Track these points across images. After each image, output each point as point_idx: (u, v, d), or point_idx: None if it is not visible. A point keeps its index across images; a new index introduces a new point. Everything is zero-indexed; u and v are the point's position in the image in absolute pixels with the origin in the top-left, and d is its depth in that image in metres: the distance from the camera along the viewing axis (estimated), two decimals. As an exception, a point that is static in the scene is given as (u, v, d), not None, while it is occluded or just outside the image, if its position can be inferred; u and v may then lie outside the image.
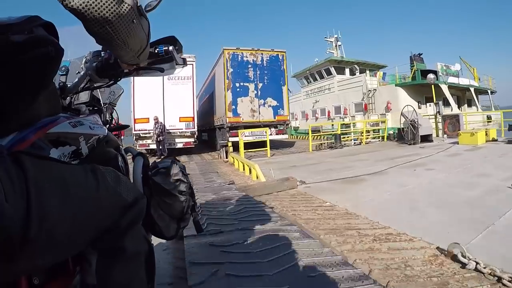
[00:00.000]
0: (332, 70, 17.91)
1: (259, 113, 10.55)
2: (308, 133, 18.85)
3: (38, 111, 0.61)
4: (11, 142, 0.53)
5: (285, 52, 11.10)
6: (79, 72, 0.90)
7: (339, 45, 19.21)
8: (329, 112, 18.22)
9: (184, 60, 0.97)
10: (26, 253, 0.41)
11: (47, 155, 0.58)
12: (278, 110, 10.83)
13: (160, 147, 9.89)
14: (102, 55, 0.89)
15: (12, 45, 0.50)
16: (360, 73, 16.93)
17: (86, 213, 0.52)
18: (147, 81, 9.97)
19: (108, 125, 1.10)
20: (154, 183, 0.90)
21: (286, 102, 10.98)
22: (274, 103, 10.79)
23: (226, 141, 10.76)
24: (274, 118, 10.75)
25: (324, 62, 18.21)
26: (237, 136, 10.13)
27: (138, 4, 0.58)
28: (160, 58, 0.91)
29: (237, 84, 10.35)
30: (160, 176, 0.93)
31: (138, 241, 0.68)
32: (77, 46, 0.95)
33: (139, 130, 10.41)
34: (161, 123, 9.99)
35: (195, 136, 10.73)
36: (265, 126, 10.49)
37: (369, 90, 15.67)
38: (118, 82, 0.96)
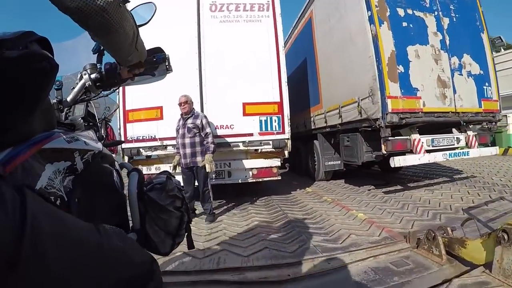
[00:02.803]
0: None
1: (454, 91, 4.08)
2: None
3: (33, 126, 0.58)
4: (5, 158, 0.50)
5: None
6: (73, 88, 0.93)
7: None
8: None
9: (171, 67, 1.08)
10: (14, 277, 0.36)
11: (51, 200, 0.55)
12: (484, 88, 4.42)
13: (204, 188, 3.32)
14: (98, 66, 0.94)
15: (6, 61, 0.48)
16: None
17: (88, 260, 0.47)
18: (157, 17, 3.31)
19: (103, 141, 1.12)
20: (149, 199, 0.89)
21: (492, 69, 4.59)
22: (476, 68, 4.36)
23: (362, 160, 4.38)
24: (480, 105, 4.29)
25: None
26: (410, 149, 3.74)
27: None
28: (151, 66, 1.02)
29: (401, 12, 3.94)
30: (155, 191, 0.91)
31: None
32: (71, 62, 1.00)
33: (137, 141, 3.95)
34: (200, 115, 3.50)
35: (286, 153, 4.11)
36: (465, 123, 4.07)
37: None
38: (112, 98, 1.05)
